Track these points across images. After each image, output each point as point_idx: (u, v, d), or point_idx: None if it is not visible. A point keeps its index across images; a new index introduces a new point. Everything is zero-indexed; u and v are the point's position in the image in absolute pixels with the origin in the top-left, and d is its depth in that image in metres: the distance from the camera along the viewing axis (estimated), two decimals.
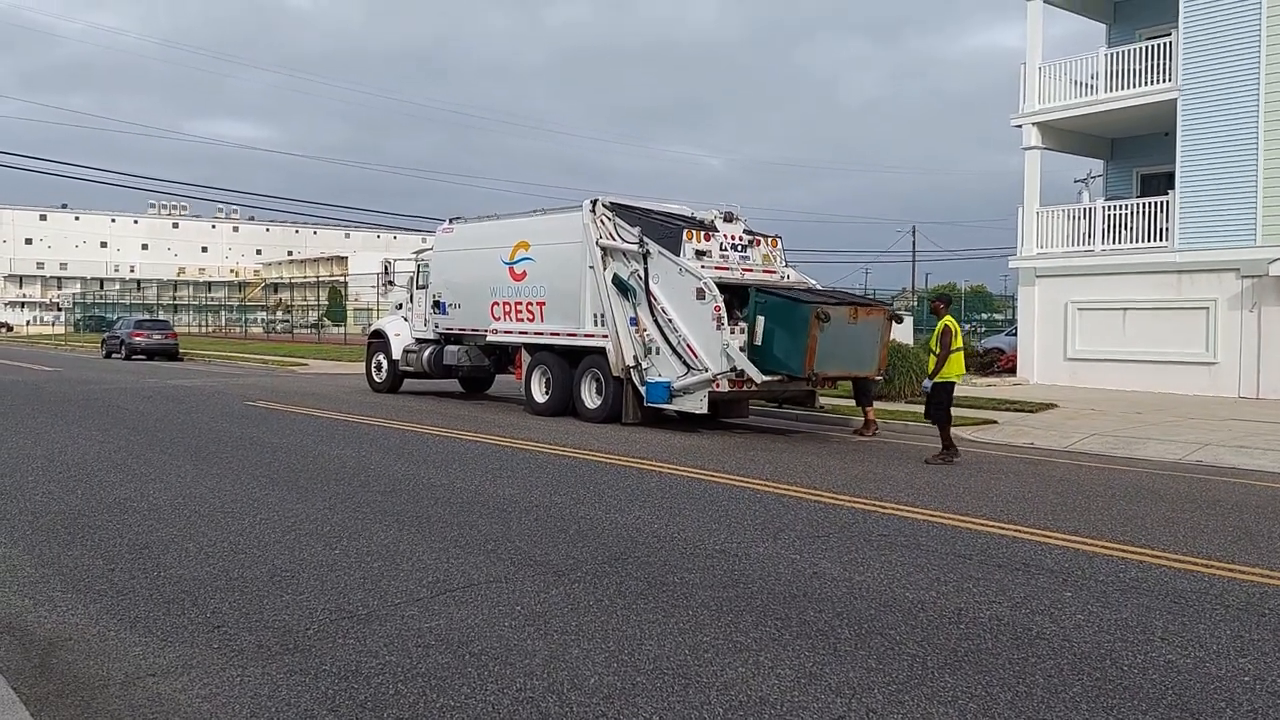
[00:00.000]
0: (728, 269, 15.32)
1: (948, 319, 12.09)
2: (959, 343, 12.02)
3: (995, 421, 15.79)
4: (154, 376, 26.78)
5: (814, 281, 16.54)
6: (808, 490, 9.71)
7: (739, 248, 15.79)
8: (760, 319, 14.03)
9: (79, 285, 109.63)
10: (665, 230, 15.58)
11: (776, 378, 14.17)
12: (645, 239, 15.12)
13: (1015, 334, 26.79)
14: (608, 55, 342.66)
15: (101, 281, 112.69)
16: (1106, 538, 7.73)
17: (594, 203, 15.97)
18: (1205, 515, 8.83)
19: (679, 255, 14.80)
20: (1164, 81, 21.83)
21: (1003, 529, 8.00)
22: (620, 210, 16.11)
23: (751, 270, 15.74)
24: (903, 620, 5.52)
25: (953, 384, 12.21)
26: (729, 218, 16.16)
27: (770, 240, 16.35)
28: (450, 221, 20.13)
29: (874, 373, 14.52)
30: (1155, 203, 22.32)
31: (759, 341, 13.97)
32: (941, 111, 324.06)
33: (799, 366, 13.61)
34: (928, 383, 12.17)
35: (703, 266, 14.72)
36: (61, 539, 7.30)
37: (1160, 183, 23.76)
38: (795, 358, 13.61)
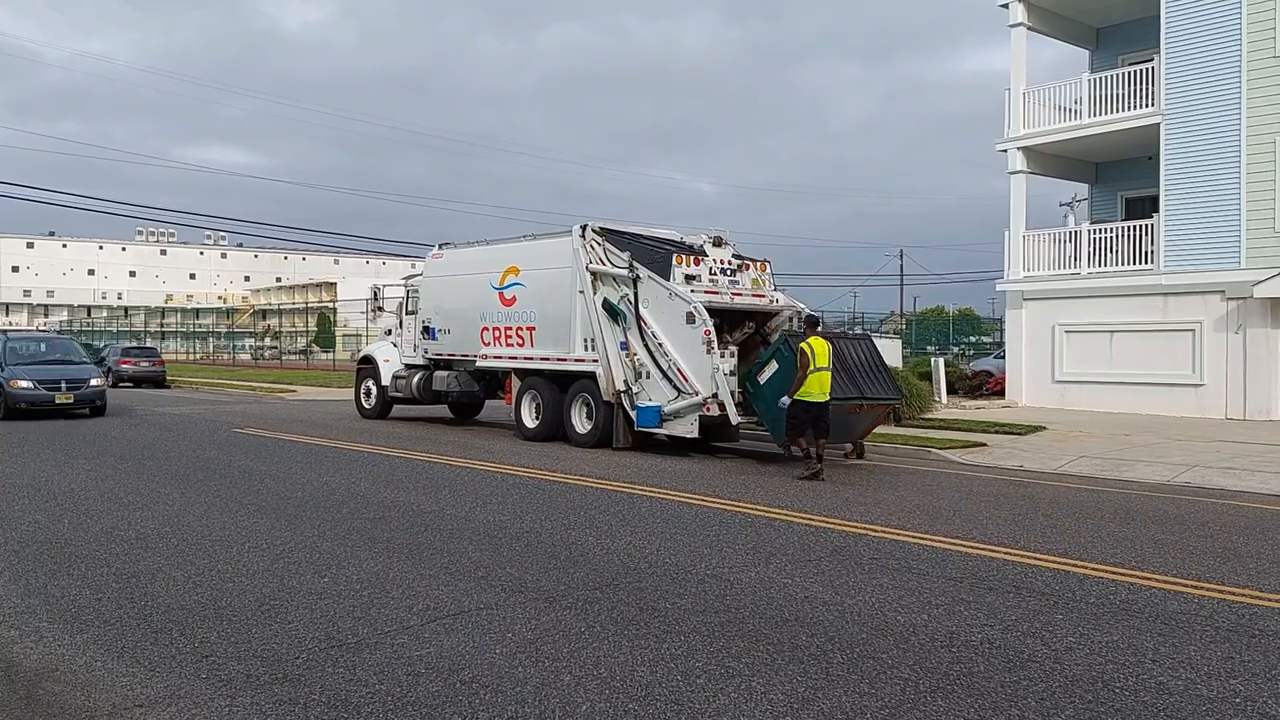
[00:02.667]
0: (717, 293, 15.37)
1: (806, 342, 12.55)
2: (822, 361, 12.39)
3: (985, 444, 15.84)
4: (141, 404, 26.65)
5: (803, 306, 16.59)
6: (798, 514, 9.71)
7: (728, 272, 15.85)
8: (774, 365, 13.54)
9: (66, 313, 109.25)
10: (655, 255, 15.63)
11: (753, 420, 14.09)
12: (635, 263, 15.17)
13: (1004, 357, 26.92)
14: (602, 80, 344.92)
15: (89, 309, 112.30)
16: (1096, 559, 7.75)
17: (584, 227, 16.03)
18: (1194, 536, 8.86)
19: (669, 280, 14.84)
20: (1147, 106, 22.10)
21: (993, 551, 8.02)
22: (610, 235, 16.16)
23: (741, 294, 15.79)
24: (894, 644, 5.51)
25: (816, 403, 12.42)
26: (718, 242, 16.23)
27: (759, 264, 16.41)
28: (440, 247, 20.17)
29: (850, 450, 14.26)
30: (1140, 226, 22.53)
31: (762, 381, 13.63)
32: (934, 134, 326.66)
33: (779, 435, 13.29)
34: (785, 400, 12.54)
35: (692, 291, 14.76)
36: (48, 568, 7.24)
37: (1145, 206, 24.00)
38: (781, 426, 13.09)
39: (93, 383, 21.31)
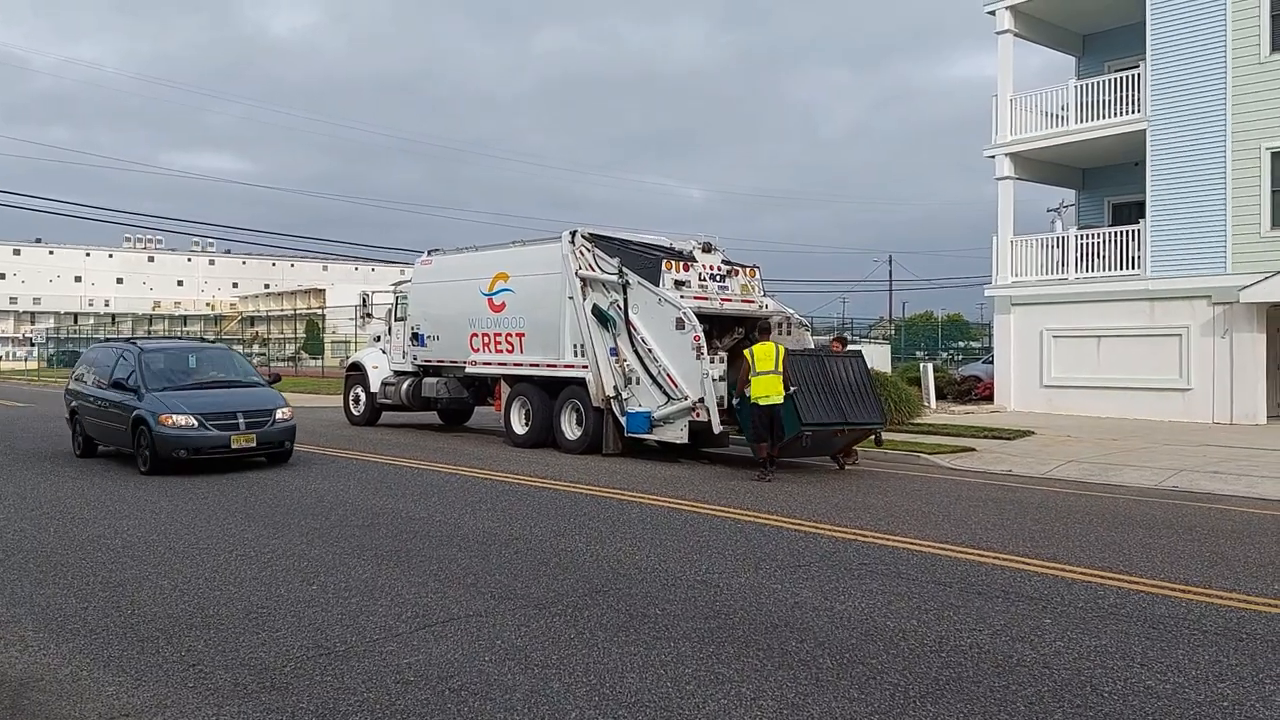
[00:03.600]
0: (707, 299, 15.39)
1: (750, 349, 13.15)
2: (764, 366, 12.80)
3: (973, 449, 15.87)
4: None
5: (792, 311, 16.62)
6: (788, 519, 9.71)
7: (717, 277, 15.87)
8: None
9: (52, 320, 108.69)
10: (644, 260, 15.64)
11: (734, 428, 14.08)
12: (625, 269, 15.18)
13: (992, 362, 27.00)
14: (594, 85, 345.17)
15: (75, 316, 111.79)
16: (1085, 564, 7.77)
17: (573, 233, 16.03)
18: (1181, 540, 8.90)
19: (658, 285, 14.85)
20: (1133, 112, 22.22)
21: (982, 556, 8.03)
22: (599, 241, 16.17)
23: (730, 300, 15.82)
24: (884, 649, 5.52)
25: (767, 405, 12.83)
26: (707, 248, 16.26)
27: (748, 270, 16.44)
28: (429, 253, 20.15)
29: (842, 457, 14.41)
30: (1127, 231, 22.64)
31: (747, 393, 13.71)
32: (923, 140, 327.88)
33: (754, 448, 13.30)
34: (734, 400, 13.38)
35: (682, 296, 14.78)
36: (34, 578, 7.19)
37: (1131, 211, 24.11)
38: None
39: (280, 415, 14.03)
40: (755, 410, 12.88)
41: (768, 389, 12.77)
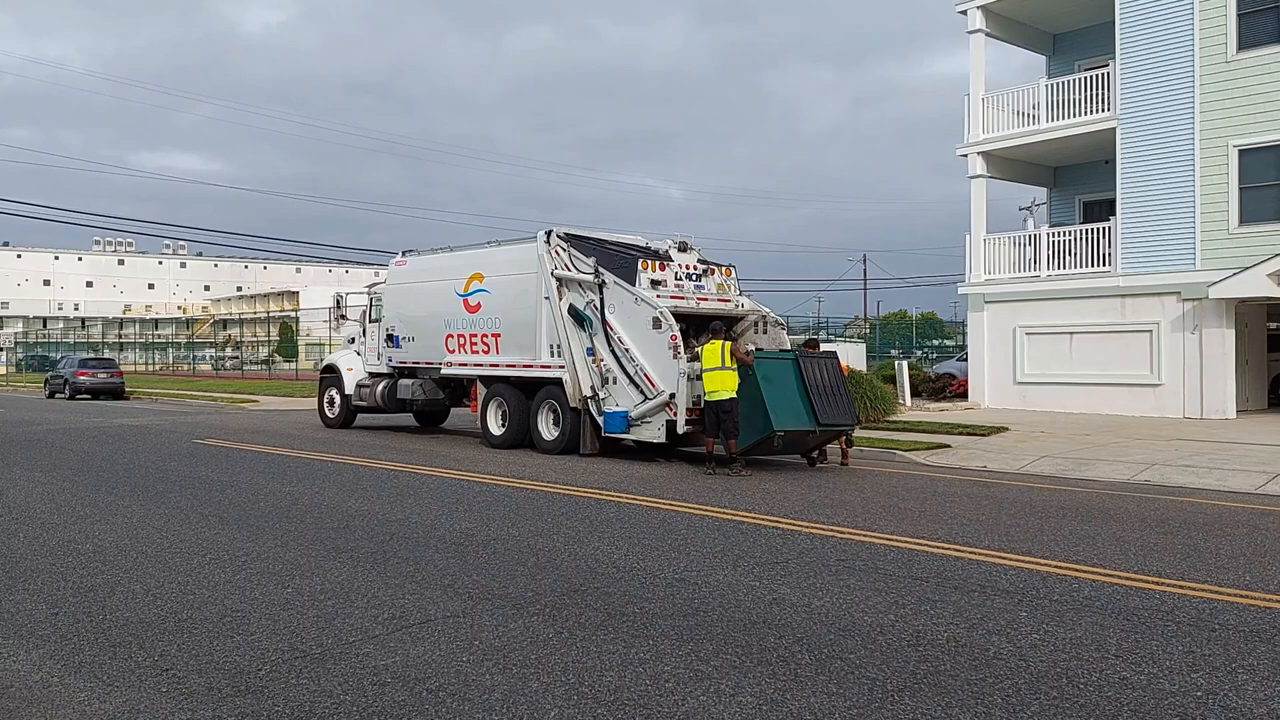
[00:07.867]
0: (683, 298, 15.40)
1: (698, 350, 13.67)
2: (710, 364, 13.23)
3: (949, 445, 15.97)
4: (99, 416, 26.21)
5: (768, 310, 16.66)
6: (765, 517, 9.73)
7: (694, 277, 15.89)
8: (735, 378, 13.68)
9: (21, 324, 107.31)
10: (620, 260, 15.63)
11: (700, 429, 14.06)
12: (600, 269, 15.16)
13: (966, 359, 27.18)
14: (571, 84, 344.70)
15: (45, 320, 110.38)
16: (1059, 558, 7.83)
17: (549, 233, 15.99)
18: (1154, 534, 8.99)
19: (634, 285, 14.85)
20: (1103, 111, 22.44)
21: (958, 551, 8.07)
22: (575, 240, 16.14)
23: (706, 299, 15.83)
24: (862, 644, 5.53)
25: (714, 401, 13.18)
26: (683, 247, 16.27)
27: (724, 269, 16.47)
28: (403, 254, 20.05)
29: (819, 457, 14.47)
30: (1098, 229, 22.87)
31: None
32: (901, 139, 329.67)
33: (726, 445, 13.42)
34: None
35: (658, 296, 14.78)
36: (2, 584, 7.08)
37: (1102, 209, 24.37)
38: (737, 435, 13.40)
39: None
40: (706, 406, 13.34)
41: (714, 385, 13.15)
